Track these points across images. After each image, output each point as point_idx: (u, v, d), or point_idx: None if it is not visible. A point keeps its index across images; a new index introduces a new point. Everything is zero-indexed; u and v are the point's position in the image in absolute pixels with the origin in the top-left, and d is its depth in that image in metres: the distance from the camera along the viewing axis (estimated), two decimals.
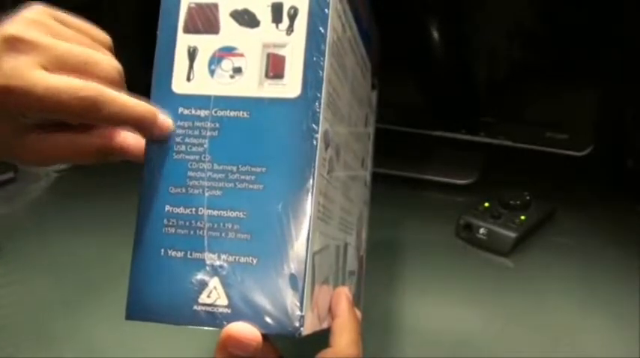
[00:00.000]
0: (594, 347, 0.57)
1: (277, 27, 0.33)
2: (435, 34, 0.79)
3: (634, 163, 0.82)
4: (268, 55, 0.33)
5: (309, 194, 0.31)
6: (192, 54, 0.34)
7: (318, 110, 0.32)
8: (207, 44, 0.33)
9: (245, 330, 0.30)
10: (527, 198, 0.74)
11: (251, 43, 0.33)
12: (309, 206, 0.31)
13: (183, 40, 0.34)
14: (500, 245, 0.69)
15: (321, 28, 0.32)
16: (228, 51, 0.33)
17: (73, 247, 0.69)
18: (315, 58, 0.32)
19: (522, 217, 0.72)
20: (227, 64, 0.33)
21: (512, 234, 0.69)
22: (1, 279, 0.63)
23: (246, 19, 0.33)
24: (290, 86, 0.32)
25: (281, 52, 0.33)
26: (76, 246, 0.69)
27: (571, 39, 0.80)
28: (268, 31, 0.33)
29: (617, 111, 0.84)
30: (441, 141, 0.84)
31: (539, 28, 0.81)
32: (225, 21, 0.33)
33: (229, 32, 0.33)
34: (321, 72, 0.32)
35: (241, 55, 0.33)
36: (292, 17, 0.33)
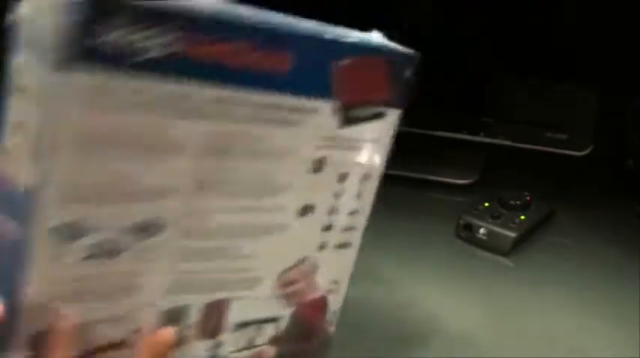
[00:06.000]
0: (594, 347, 0.57)
1: None
2: (435, 33, 0.79)
3: (634, 163, 0.82)
4: None
5: None
6: None
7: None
8: None
9: None
10: (527, 198, 0.74)
11: None
12: None
13: None
14: (500, 245, 0.69)
15: None
16: None
17: None
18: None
19: (522, 217, 0.72)
20: None
21: (512, 234, 0.69)
22: None
23: None
24: None
25: None
26: None
27: (571, 39, 0.80)
28: None
29: (617, 111, 0.84)
30: (441, 141, 0.84)
31: (539, 27, 0.81)
32: None
33: None
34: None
35: None
36: None
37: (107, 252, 0.35)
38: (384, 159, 0.44)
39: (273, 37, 0.36)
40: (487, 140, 0.84)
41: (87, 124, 0.32)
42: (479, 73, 0.86)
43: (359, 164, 0.43)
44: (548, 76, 0.82)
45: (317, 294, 0.45)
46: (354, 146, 0.42)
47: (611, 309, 0.61)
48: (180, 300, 0.39)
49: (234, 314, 0.42)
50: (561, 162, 0.82)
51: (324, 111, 0.39)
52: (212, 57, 0.34)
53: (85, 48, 0.30)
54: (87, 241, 0.34)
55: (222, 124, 0.36)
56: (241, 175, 0.38)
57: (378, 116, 0.42)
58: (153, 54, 0.32)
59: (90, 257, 0.34)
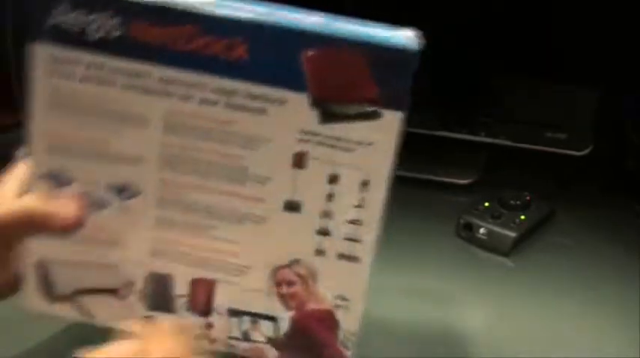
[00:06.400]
0: (594, 347, 0.57)
1: None
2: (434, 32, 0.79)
3: (634, 163, 0.82)
4: None
5: None
6: None
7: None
8: None
9: None
10: (527, 198, 0.74)
11: None
12: None
13: None
14: (500, 245, 0.69)
15: None
16: None
17: None
18: None
19: (522, 217, 0.72)
20: None
21: (512, 234, 0.69)
22: None
23: None
24: None
25: None
26: None
27: (571, 39, 0.80)
28: None
29: (616, 111, 0.84)
30: (442, 141, 0.84)
31: (539, 27, 0.81)
32: None
33: None
34: None
35: None
36: None
37: (91, 203, 0.42)
38: (389, 167, 0.41)
39: (219, 24, 0.37)
40: (487, 140, 0.84)
41: (54, 89, 0.40)
42: (479, 72, 0.86)
43: (351, 167, 0.41)
44: (547, 76, 0.82)
45: (321, 306, 0.44)
46: (341, 146, 0.40)
47: (611, 309, 0.61)
48: (164, 267, 0.43)
49: (225, 299, 0.44)
50: (561, 162, 0.82)
51: (297, 103, 0.39)
52: (157, 39, 0.38)
53: (46, 26, 0.38)
54: (72, 189, 0.42)
55: (181, 104, 0.39)
56: (210, 157, 0.41)
57: (369, 116, 0.39)
58: (101, 34, 0.38)
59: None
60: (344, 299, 0.43)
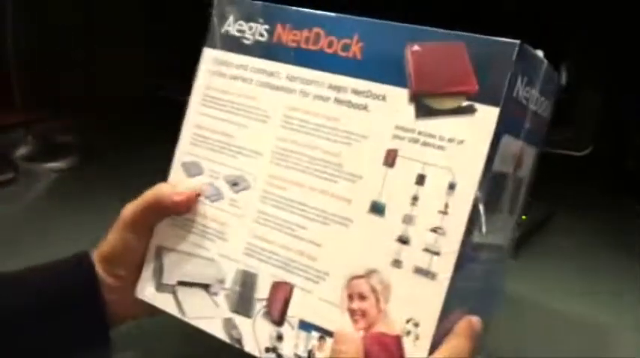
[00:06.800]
0: (594, 347, 0.57)
1: None
2: None
3: (634, 163, 0.82)
4: None
5: None
6: None
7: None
8: None
9: None
10: (527, 198, 0.74)
11: None
12: None
13: None
14: None
15: None
16: None
17: (73, 247, 0.69)
18: None
19: (522, 217, 0.72)
20: None
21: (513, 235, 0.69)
22: None
23: None
24: None
25: None
26: (77, 247, 0.69)
27: (571, 38, 0.80)
28: None
29: (617, 111, 0.84)
30: None
31: (539, 27, 0.81)
32: None
33: None
34: None
35: None
36: None
37: (211, 195, 0.46)
38: (480, 172, 0.37)
39: (339, 25, 0.43)
40: None
41: (207, 87, 0.47)
42: None
43: (439, 166, 0.38)
44: None
45: (388, 329, 0.39)
46: (432, 143, 0.39)
47: (611, 309, 0.61)
48: (252, 265, 0.44)
49: (298, 309, 0.42)
50: (561, 162, 0.82)
51: (397, 98, 0.40)
52: (293, 41, 0.44)
53: (219, 35, 0.48)
54: (201, 180, 0.46)
55: (299, 100, 0.43)
56: (313, 153, 0.43)
57: (464, 111, 0.38)
58: (253, 39, 0.46)
59: (199, 194, 0.46)
60: (415, 324, 0.38)
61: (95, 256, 0.47)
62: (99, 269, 0.47)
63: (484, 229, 0.39)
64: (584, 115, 0.84)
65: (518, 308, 0.62)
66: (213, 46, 0.48)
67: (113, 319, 0.47)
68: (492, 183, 0.38)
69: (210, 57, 0.48)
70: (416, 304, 0.38)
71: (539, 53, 0.41)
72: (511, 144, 0.40)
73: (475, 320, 0.40)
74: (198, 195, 0.46)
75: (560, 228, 0.76)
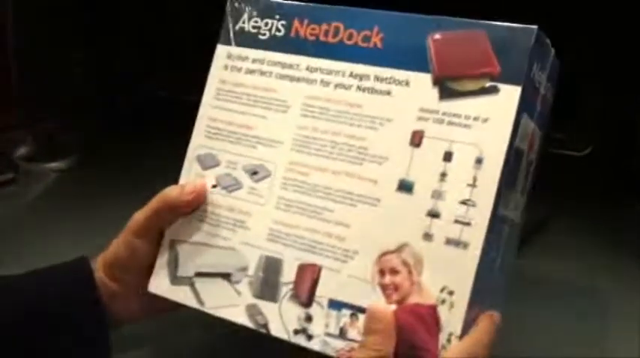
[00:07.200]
0: (594, 347, 0.57)
1: None
2: None
3: (634, 163, 0.82)
4: None
5: None
6: None
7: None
8: None
9: None
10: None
11: None
12: None
13: None
14: None
15: None
16: None
17: (73, 248, 0.69)
18: None
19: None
20: None
21: None
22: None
23: None
24: None
25: None
26: (77, 247, 0.69)
27: (571, 38, 0.80)
28: None
29: (617, 111, 0.84)
30: None
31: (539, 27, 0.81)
32: None
33: None
34: None
35: None
36: None
37: (228, 185, 0.46)
38: (505, 146, 0.39)
39: (360, 18, 0.44)
40: None
41: (221, 81, 0.48)
42: None
43: (466, 143, 0.40)
44: None
45: (423, 300, 0.40)
46: (457, 122, 0.41)
47: (611, 310, 0.61)
48: (277, 250, 0.44)
49: (327, 288, 0.42)
50: (561, 162, 0.82)
51: (420, 82, 0.42)
52: (312, 35, 0.46)
53: (233, 32, 0.49)
54: (217, 171, 0.47)
55: (319, 89, 0.45)
56: (335, 138, 0.44)
57: (487, 91, 0.40)
58: (269, 35, 0.47)
59: (216, 186, 0.47)
60: (450, 292, 0.39)
61: (98, 261, 0.47)
62: (101, 274, 0.47)
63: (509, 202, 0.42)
64: (584, 115, 0.84)
65: (517, 308, 0.62)
66: (228, 43, 0.48)
67: (114, 322, 0.46)
68: (513, 159, 0.41)
69: (224, 53, 0.48)
70: (449, 273, 0.40)
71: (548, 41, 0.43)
72: (528, 124, 0.42)
73: (496, 315, 0.42)
74: (214, 186, 0.46)
75: (560, 228, 0.76)
